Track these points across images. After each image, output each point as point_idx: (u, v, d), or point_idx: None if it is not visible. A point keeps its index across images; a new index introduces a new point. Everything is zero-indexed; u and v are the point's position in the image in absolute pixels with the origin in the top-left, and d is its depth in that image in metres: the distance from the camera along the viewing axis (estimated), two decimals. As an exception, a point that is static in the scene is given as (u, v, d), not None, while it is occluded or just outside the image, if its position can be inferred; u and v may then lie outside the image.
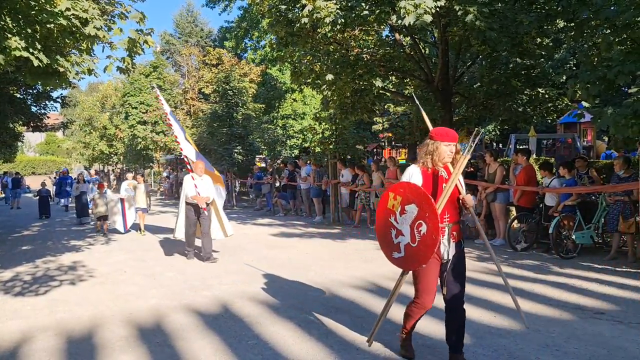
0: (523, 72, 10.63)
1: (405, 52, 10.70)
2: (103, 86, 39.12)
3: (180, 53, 32.96)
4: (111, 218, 11.00)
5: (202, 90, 24.83)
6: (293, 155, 25.46)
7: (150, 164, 29.58)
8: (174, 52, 37.42)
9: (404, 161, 21.82)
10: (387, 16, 8.44)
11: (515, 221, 8.27)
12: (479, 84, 11.81)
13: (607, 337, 3.97)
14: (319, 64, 10.23)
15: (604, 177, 8.02)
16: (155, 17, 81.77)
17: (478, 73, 12.15)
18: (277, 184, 15.60)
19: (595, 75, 6.12)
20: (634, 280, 5.74)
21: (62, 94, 17.88)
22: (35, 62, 5.28)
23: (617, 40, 6.18)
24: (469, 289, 4.29)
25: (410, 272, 3.42)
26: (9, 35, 5.09)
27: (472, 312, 3.42)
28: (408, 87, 12.82)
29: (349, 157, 13.33)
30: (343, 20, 8.12)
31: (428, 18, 7.11)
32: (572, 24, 7.38)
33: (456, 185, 3.33)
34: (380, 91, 10.33)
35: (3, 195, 23.03)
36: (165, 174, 27.37)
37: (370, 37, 11.56)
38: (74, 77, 6.23)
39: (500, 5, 8.07)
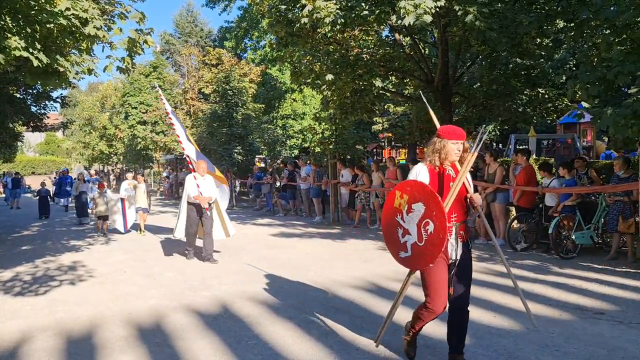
0: (523, 73, 10.64)
1: (405, 52, 10.70)
2: (103, 86, 39.14)
3: (180, 53, 32.97)
4: (111, 217, 10.98)
5: (201, 90, 24.83)
6: (293, 155, 25.47)
7: (150, 164, 29.58)
8: (174, 52, 37.44)
9: (404, 161, 21.82)
10: (387, 16, 8.44)
11: (515, 221, 8.27)
12: (478, 84, 11.82)
13: (607, 337, 3.97)
14: (319, 64, 10.23)
15: (603, 177, 8.02)
16: (155, 17, 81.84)
17: (478, 73, 12.16)
18: (277, 184, 15.60)
19: (595, 76, 6.12)
20: (633, 280, 5.75)
21: (61, 93, 17.87)
22: (35, 62, 5.27)
23: (616, 40, 6.19)
24: (469, 289, 4.28)
25: (420, 275, 3.34)
26: (9, 35, 5.09)
27: (471, 312, 3.41)
28: (408, 87, 12.83)
29: (349, 157, 13.33)
30: (343, 20, 8.12)
31: (428, 18, 7.11)
32: (572, 24, 7.38)
33: (464, 184, 3.28)
34: (380, 91, 10.34)
35: (3, 195, 23.02)
36: (165, 174, 27.38)
37: (370, 37, 11.56)
38: (73, 77, 6.23)
39: (500, 5, 8.07)
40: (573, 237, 7.07)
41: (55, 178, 23.32)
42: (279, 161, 22.29)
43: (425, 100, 4.25)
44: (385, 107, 18.69)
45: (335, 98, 10.66)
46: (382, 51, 10.87)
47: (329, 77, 9.43)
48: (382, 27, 10.75)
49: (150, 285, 6.13)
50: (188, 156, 8.57)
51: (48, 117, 17.27)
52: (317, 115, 14.23)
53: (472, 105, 11.49)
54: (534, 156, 12.16)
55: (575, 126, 16.97)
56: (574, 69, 16.66)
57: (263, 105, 24.93)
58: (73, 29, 5.54)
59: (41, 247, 9.43)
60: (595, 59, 6.71)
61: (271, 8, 9.62)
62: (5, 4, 5.13)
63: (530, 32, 8.30)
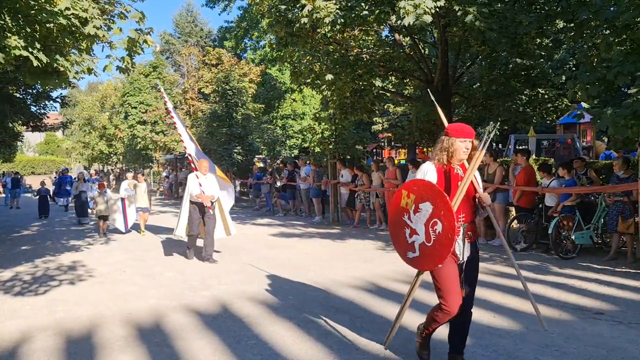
0: (523, 73, 10.66)
1: (404, 52, 10.71)
2: (103, 86, 39.18)
3: (180, 53, 33.00)
4: (111, 216, 10.91)
5: (201, 90, 24.85)
6: (292, 155, 25.49)
7: (150, 163, 29.59)
8: (174, 52, 37.47)
9: (404, 161, 21.81)
10: (386, 16, 8.44)
11: (515, 221, 8.27)
12: (478, 84, 11.83)
13: (606, 337, 3.97)
14: (319, 64, 10.24)
15: (603, 177, 8.03)
16: (155, 17, 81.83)
17: (478, 73, 12.17)
18: (277, 184, 15.60)
19: (595, 76, 6.13)
20: (633, 280, 5.75)
21: (61, 93, 17.77)
22: (35, 62, 5.27)
23: (616, 40, 6.19)
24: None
25: (430, 277, 3.28)
26: (9, 35, 5.08)
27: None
28: (408, 87, 12.84)
29: (349, 157, 13.34)
30: (342, 20, 8.13)
31: (428, 18, 7.12)
32: (572, 25, 7.39)
33: (472, 183, 3.21)
34: (380, 91, 10.36)
35: (3, 195, 23.01)
36: (164, 174, 27.40)
37: (369, 37, 11.58)
38: (73, 77, 6.22)
39: (499, 5, 8.08)
40: (573, 237, 7.07)
41: (55, 178, 23.29)
42: (278, 161, 22.29)
43: (433, 98, 4.16)
44: (385, 107, 18.69)
45: (335, 98, 10.68)
46: (381, 51, 10.89)
47: (329, 77, 9.44)
48: (381, 27, 10.77)
49: (150, 285, 6.13)
50: (190, 155, 8.54)
51: (48, 117, 17.26)
52: (317, 115, 14.26)
53: (472, 105, 11.51)
54: (533, 156, 12.17)
55: (575, 126, 16.96)
56: (574, 69, 16.67)
57: (263, 105, 24.95)
58: (73, 28, 5.54)
59: (41, 247, 9.42)
60: (595, 60, 6.71)
61: (271, 8, 9.63)
62: (5, 3, 5.13)
63: (530, 32, 8.31)
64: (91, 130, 34.64)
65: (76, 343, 4.17)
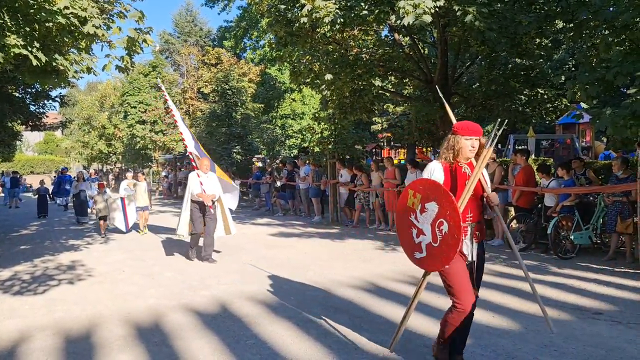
0: (522, 73, 10.66)
1: (404, 52, 10.71)
2: (102, 85, 39.18)
3: (179, 52, 33.00)
4: (110, 214, 10.87)
5: (201, 90, 24.86)
6: (292, 155, 25.48)
7: (149, 163, 29.59)
8: (173, 52, 37.45)
9: (403, 161, 21.82)
10: (386, 16, 8.45)
11: (514, 221, 8.27)
12: (478, 84, 11.84)
13: (605, 337, 3.97)
14: (318, 63, 10.24)
15: (602, 177, 8.03)
16: (154, 17, 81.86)
17: (477, 73, 12.18)
18: (277, 184, 15.59)
19: (594, 76, 6.13)
20: (632, 280, 5.75)
21: (60, 93, 17.75)
22: (34, 61, 5.26)
23: (615, 41, 6.20)
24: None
25: (440, 278, 3.21)
26: (8, 34, 5.08)
27: (470, 312, 3.39)
28: (407, 87, 12.84)
29: (348, 157, 13.34)
30: (342, 20, 8.13)
31: (427, 18, 7.12)
32: (571, 25, 7.40)
33: (480, 182, 3.16)
34: (379, 91, 10.37)
35: (2, 194, 22.98)
36: (163, 174, 27.40)
37: (369, 37, 11.58)
38: (72, 76, 6.22)
39: (499, 5, 8.08)
40: (572, 237, 7.08)
41: (54, 177, 23.27)
42: (278, 161, 22.30)
43: (441, 94, 4.08)
44: (385, 107, 18.71)
45: (334, 98, 10.68)
46: (381, 51, 10.90)
47: (328, 76, 9.44)
48: (381, 27, 10.77)
49: (149, 285, 6.12)
50: (191, 153, 8.48)
51: (47, 116, 17.25)
52: (316, 115, 14.26)
53: (471, 105, 11.51)
54: (533, 156, 12.18)
55: (574, 126, 16.98)
56: (573, 69, 16.69)
57: (262, 105, 24.96)
58: (72, 27, 5.54)
59: (40, 246, 9.41)
60: (595, 60, 6.72)
61: (270, 7, 9.63)
62: (4, 2, 5.13)
63: (529, 32, 8.32)
64: (90, 130, 34.63)
65: (75, 342, 4.17)
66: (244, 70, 24.14)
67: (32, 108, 15.75)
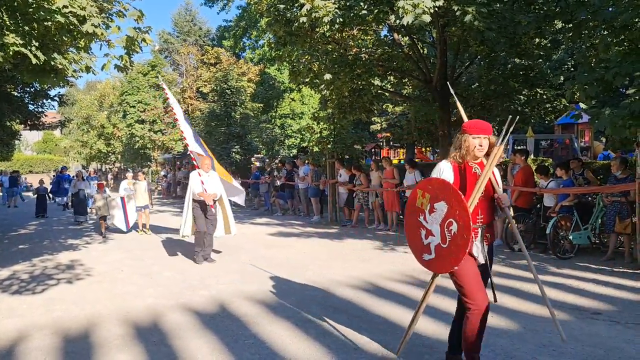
0: (521, 73, 10.67)
1: (403, 52, 10.71)
2: (101, 85, 39.13)
3: (179, 52, 32.98)
4: (110, 212, 10.83)
5: (200, 90, 24.84)
6: (291, 154, 25.47)
7: (148, 163, 29.57)
8: (172, 51, 37.43)
9: (403, 161, 21.81)
10: (385, 16, 8.44)
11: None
12: (477, 84, 11.84)
13: (604, 337, 3.98)
14: (317, 63, 10.23)
15: (601, 177, 8.04)
16: (154, 16, 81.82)
17: (476, 73, 12.18)
18: (276, 184, 15.59)
19: (593, 76, 6.14)
20: (630, 280, 5.76)
21: (59, 92, 17.70)
22: (33, 60, 5.26)
23: (614, 41, 6.21)
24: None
25: (450, 279, 3.16)
26: (7, 32, 5.07)
27: (469, 312, 3.37)
28: (406, 87, 12.84)
29: (347, 156, 13.33)
30: (341, 20, 8.12)
31: (426, 18, 7.11)
32: (570, 25, 7.40)
33: (490, 181, 3.08)
34: (379, 91, 10.36)
35: (0, 193, 22.95)
36: (162, 173, 27.39)
37: (368, 37, 11.57)
38: (71, 75, 6.22)
39: (498, 5, 8.08)
40: (570, 237, 7.08)
41: (53, 176, 23.22)
42: (277, 160, 22.29)
43: (452, 92, 4.04)
44: (384, 106, 18.69)
45: (333, 97, 10.67)
46: (380, 51, 10.89)
47: (328, 76, 9.43)
48: (380, 26, 10.76)
49: (148, 284, 6.12)
50: (192, 152, 8.41)
51: (46, 116, 17.23)
52: (316, 114, 14.23)
53: (471, 105, 11.51)
54: (531, 156, 12.19)
55: (573, 127, 17.01)
56: (572, 69, 16.69)
57: (261, 105, 24.94)
58: (71, 26, 5.53)
59: (39, 245, 9.40)
60: (594, 60, 6.73)
61: (270, 7, 9.61)
62: (3, 1, 5.12)
63: (528, 32, 8.33)
64: (89, 129, 34.60)
65: (73, 342, 4.16)
66: (243, 69, 24.14)
67: (31, 107, 15.73)
